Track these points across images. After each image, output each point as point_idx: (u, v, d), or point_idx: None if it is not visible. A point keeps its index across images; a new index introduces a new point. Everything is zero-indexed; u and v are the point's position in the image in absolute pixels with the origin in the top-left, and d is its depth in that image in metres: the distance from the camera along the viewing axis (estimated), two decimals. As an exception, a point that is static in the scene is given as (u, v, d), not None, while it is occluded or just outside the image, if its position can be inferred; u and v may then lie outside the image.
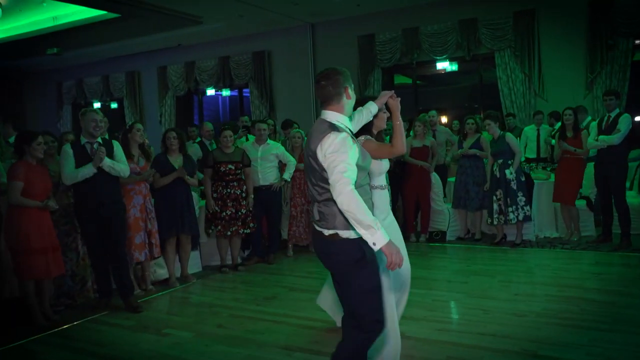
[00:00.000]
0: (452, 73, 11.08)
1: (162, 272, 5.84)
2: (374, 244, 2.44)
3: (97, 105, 14.38)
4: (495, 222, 6.63)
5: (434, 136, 7.59)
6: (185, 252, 5.85)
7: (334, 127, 2.61)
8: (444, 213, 7.22)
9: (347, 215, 2.46)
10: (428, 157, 7.02)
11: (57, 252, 4.68)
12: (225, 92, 12.91)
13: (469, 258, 6.38)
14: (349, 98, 2.73)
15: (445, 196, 7.51)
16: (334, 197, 2.48)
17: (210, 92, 12.82)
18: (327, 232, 2.64)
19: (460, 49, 10.09)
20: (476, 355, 3.61)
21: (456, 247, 6.94)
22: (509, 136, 6.64)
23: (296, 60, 11.52)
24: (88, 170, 4.64)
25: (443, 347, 3.75)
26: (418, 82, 13.63)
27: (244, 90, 12.82)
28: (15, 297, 4.82)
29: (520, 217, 6.48)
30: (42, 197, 4.52)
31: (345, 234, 2.61)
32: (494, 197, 6.57)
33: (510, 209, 6.47)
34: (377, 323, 2.69)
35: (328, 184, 2.54)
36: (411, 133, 7.14)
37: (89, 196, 4.74)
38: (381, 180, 3.60)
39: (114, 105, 14.35)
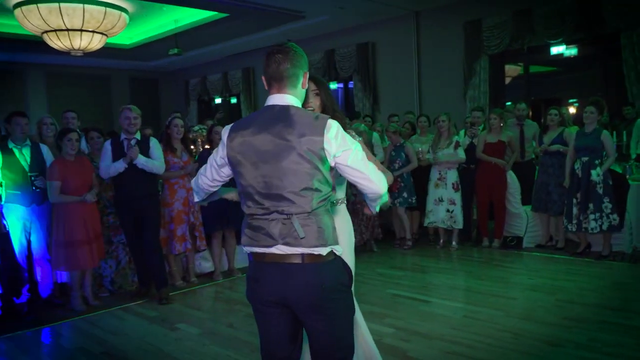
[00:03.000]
0: (577, 58, 9.82)
1: (209, 265, 5.94)
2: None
3: (218, 100, 15.25)
4: (573, 229, 5.71)
5: (521, 130, 6.74)
6: (230, 246, 5.87)
7: (318, 114, 2.12)
8: (520, 216, 6.37)
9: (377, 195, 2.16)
10: (504, 154, 6.25)
11: (99, 241, 4.99)
12: (332, 85, 12.82)
13: (538, 270, 5.56)
14: (304, 87, 2.17)
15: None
16: (388, 184, 2.15)
17: (317, 85, 12.80)
18: (324, 251, 2.05)
19: (580, 30, 8.84)
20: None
21: (531, 256, 6.09)
22: (606, 134, 5.61)
23: (400, 51, 11.02)
24: (119, 166, 4.84)
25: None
26: (549, 68, 12.38)
27: (349, 82, 12.63)
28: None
29: (605, 227, 5.48)
30: (82, 191, 4.81)
31: (338, 249, 2.13)
32: (574, 200, 5.66)
33: (592, 217, 5.50)
34: (351, 347, 2.27)
35: (328, 185, 2.07)
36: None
37: (123, 189, 4.97)
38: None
39: (233, 100, 15.06)
